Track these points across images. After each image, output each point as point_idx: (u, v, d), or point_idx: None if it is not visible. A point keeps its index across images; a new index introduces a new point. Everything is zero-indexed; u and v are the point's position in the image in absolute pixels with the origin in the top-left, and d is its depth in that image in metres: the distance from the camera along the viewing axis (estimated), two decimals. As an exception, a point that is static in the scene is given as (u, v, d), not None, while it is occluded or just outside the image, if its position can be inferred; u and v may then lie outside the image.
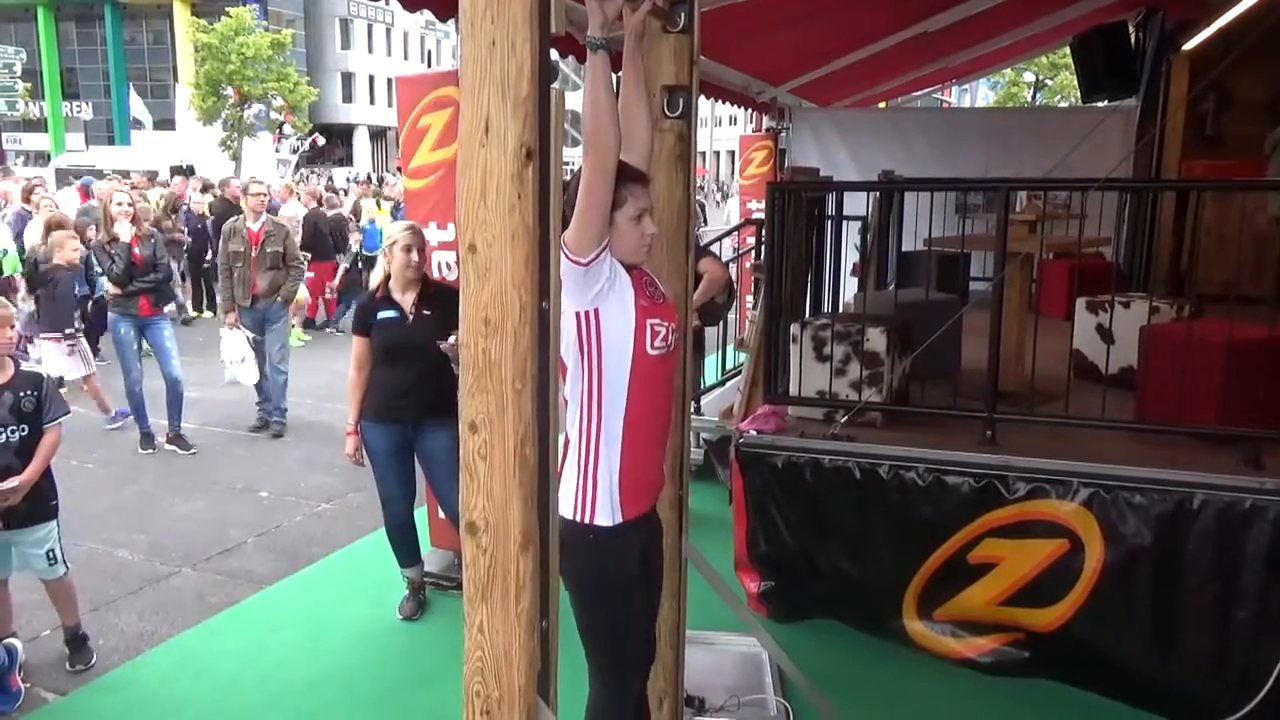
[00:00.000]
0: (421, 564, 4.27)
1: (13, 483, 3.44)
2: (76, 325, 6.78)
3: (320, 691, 3.59)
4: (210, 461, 6.39)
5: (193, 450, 6.54)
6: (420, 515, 4.34)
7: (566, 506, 2.22)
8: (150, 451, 6.51)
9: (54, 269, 6.57)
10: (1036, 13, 6.88)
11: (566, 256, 2.02)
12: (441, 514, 4.35)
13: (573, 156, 7.05)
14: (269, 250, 6.75)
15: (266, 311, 6.86)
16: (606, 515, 2.22)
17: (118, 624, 4.10)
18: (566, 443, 2.25)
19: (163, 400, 6.52)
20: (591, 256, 2.04)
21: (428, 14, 3.59)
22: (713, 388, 6.61)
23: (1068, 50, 8.66)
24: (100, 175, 16.32)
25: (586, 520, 2.22)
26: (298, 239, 7.16)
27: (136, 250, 6.20)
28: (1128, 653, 3.13)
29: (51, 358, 6.51)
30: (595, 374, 2.17)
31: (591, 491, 2.21)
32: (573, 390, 2.20)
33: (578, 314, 2.12)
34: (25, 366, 3.69)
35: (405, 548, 4.18)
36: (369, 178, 26.76)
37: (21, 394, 3.55)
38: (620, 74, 2.31)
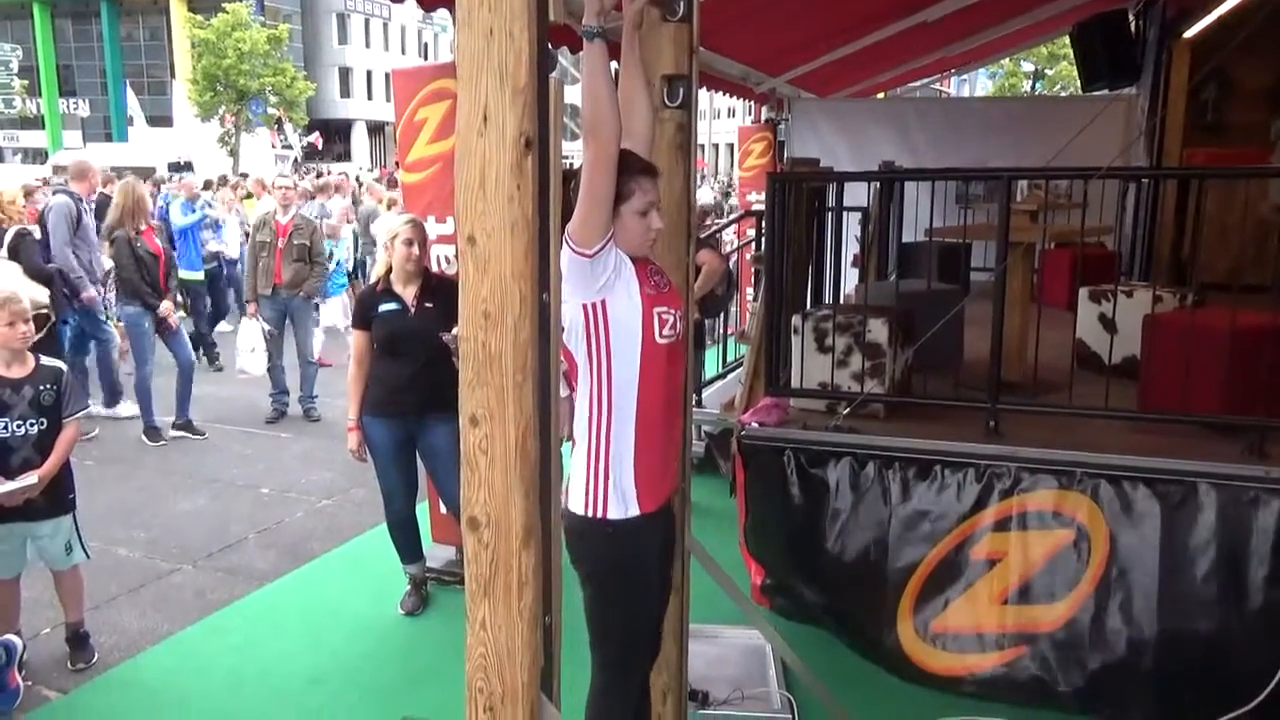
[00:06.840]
0: (423, 559, 4.26)
1: (32, 477, 3.43)
2: None
3: (322, 687, 3.58)
4: (210, 458, 6.37)
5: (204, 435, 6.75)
6: (422, 510, 4.33)
7: (578, 502, 2.21)
8: (162, 444, 6.62)
9: None
10: (1036, 1, 6.84)
11: (571, 248, 2.00)
12: (443, 509, 4.33)
13: (572, 150, 7.03)
14: (295, 243, 6.84)
15: (289, 304, 6.94)
16: (619, 509, 2.20)
17: (118, 621, 4.09)
18: (575, 439, 2.23)
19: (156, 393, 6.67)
20: (597, 247, 2.02)
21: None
22: (714, 380, 6.60)
23: (1066, 40, 8.63)
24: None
25: (598, 515, 2.20)
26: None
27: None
28: (1133, 648, 3.10)
29: None
30: (605, 366, 2.15)
31: (603, 485, 2.19)
32: (582, 384, 2.18)
33: (584, 306, 2.10)
34: (44, 361, 3.68)
35: (407, 543, 4.17)
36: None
37: (42, 388, 3.54)
38: (618, 63, 2.29)
